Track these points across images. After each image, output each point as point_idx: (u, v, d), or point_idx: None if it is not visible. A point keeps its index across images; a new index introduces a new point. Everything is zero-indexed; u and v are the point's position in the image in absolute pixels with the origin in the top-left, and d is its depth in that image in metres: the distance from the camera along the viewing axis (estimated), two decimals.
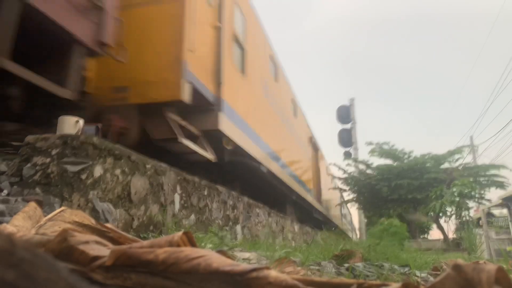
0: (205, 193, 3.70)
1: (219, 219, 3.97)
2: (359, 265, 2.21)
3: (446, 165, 17.62)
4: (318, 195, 14.63)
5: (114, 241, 0.69)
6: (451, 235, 17.47)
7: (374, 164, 18.80)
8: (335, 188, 21.96)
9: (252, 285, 0.45)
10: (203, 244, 2.31)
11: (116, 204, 2.30)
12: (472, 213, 19.79)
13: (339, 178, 20.09)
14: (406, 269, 2.38)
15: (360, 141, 20.22)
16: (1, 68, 2.49)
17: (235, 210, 4.53)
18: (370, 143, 18.94)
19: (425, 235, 29.74)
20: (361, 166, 19.22)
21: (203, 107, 4.80)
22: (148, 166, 2.70)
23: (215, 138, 5.14)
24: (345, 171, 19.56)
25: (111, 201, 2.26)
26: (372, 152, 18.77)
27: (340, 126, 20.51)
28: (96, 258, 0.51)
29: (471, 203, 17.33)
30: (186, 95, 4.14)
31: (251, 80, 6.62)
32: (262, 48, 7.61)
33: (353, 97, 20.57)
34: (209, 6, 5.04)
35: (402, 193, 16.77)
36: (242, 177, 7.03)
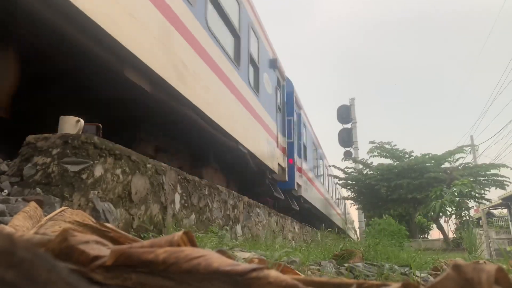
0: (206, 192, 3.70)
1: (219, 218, 3.97)
2: (359, 265, 2.21)
3: (446, 165, 17.62)
4: None
5: (115, 241, 0.69)
6: (451, 235, 17.47)
7: (374, 164, 18.82)
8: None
9: (252, 285, 0.45)
10: (203, 243, 2.32)
11: (116, 204, 2.30)
12: (472, 213, 19.80)
13: (340, 178, 20.09)
14: (406, 269, 2.38)
15: (361, 141, 20.01)
16: None
17: (236, 210, 4.53)
18: (373, 142, 18.93)
19: (425, 235, 29.76)
20: (361, 166, 19.23)
21: None
22: (148, 165, 2.70)
23: None
24: (344, 172, 19.58)
25: (112, 201, 2.26)
26: (371, 151, 18.78)
27: (340, 126, 20.50)
28: (96, 258, 0.51)
29: (471, 203, 17.33)
30: None
31: None
32: None
33: (353, 97, 20.58)
34: None
35: (402, 193, 16.76)
36: None
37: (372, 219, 17.77)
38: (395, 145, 18.76)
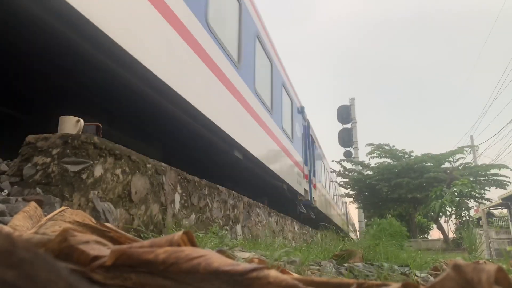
0: (206, 192, 3.70)
1: (219, 218, 3.97)
2: (359, 265, 2.21)
3: (446, 164, 17.61)
4: None
5: (115, 240, 0.69)
6: (451, 235, 17.47)
7: (374, 164, 18.81)
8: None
9: (252, 285, 0.45)
10: (203, 243, 2.32)
11: (116, 204, 2.30)
12: (472, 212, 19.80)
13: (340, 176, 20.10)
14: (406, 269, 2.38)
15: (361, 141, 19.97)
16: None
17: (236, 210, 4.53)
18: (371, 144, 18.94)
19: (425, 235, 29.78)
20: (360, 167, 19.22)
21: None
22: (148, 165, 2.70)
23: None
24: (345, 171, 19.58)
25: (112, 201, 2.26)
26: (370, 153, 18.79)
27: (340, 126, 20.49)
28: (96, 258, 0.51)
29: (471, 203, 17.34)
30: None
31: None
32: None
33: (353, 97, 20.57)
34: None
35: (401, 192, 16.76)
36: None
37: (373, 219, 17.76)
38: (393, 146, 18.77)
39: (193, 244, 0.56)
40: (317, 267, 2.06)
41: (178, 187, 3.15)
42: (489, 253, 16.48)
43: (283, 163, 9.06)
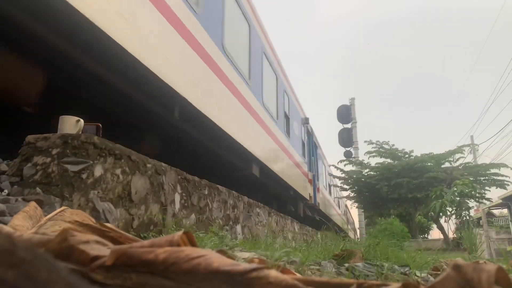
0: (206, 192, 3.70)
1: (219, 218, 3.97)
2: (359, 265, 2.21)
3: (446, 164, 17.60)
4: None
5: (115, 240, 0.69)
6: (451, 235, 17.46)
7: (374, 164, 18.80)
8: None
9: (252, 284, 0.45)
10: (203, 243, 2.32)
11: (116, 204, 2.30)
12: (472, 212, 19.80)
13: (340, 178, 20.09)
14: (406, 269, 2.38)
15: (361, 141, 19.91)
16: None
17: (236, 210, 4.53)
18: (370, 142, 18.92)
19: (425, 235, 29.79)
20: (360, 167, 19.20)
21: None
22: (148, 165, 2.70)
23: None
24: (344, 172, 19.56)
25: (112, 201, 2.26)
26: (369, 153, 18.77)
27: (340, 126, 20.44)
28: (97, 257, 0.51)
29: (471, 203, 17.33)
30: None
31: None
32: None
33: (354, 97, 20.53)
34: None
35: (402, 192, 16.75)
36: None
37: (379, 218, 17.74)
38: (393, 145, 18.76)
39: (193, 244, 0.56)
40: (317, 267, 2.06)
41: (178, 187, 3.15)
42: (489, 253, 16.49)
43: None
